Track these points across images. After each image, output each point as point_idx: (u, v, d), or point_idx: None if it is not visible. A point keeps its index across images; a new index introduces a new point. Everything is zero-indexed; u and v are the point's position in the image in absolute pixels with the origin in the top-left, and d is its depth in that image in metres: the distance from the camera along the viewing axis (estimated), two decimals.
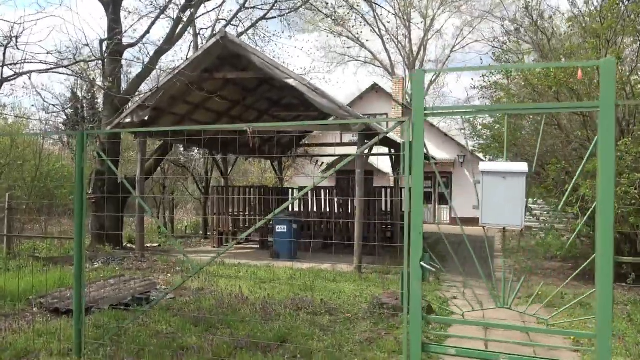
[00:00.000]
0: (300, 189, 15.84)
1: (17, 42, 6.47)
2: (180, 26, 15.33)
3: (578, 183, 7.41)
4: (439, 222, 22.80)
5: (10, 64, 6.65)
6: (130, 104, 12.43)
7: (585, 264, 3.27)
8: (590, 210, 3.26)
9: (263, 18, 18.66)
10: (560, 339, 5.51)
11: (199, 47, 14.69)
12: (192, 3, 15.29)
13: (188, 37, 17.40)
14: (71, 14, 26.73)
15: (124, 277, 8.65)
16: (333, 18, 20.62)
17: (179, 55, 48.66)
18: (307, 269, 10.07)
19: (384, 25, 33.83)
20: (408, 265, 3.48)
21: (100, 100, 17.27)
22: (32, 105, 51.59)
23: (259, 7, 18.61)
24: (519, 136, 10.54)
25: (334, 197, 14.13)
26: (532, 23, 10.36)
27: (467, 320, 3.77)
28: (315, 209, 14.43)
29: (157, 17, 14.91)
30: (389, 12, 33.01)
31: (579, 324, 5.87)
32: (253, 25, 18.84)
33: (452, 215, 22.21)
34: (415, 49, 35.22)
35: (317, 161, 20.51)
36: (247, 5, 18.35)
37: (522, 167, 3.43)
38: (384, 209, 14.23)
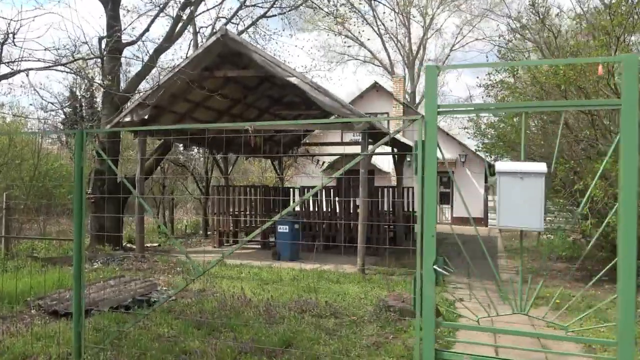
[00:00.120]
0: (301, 188, 15.68)
1: (14, 39, 6.34)
2: (180, 24, 15.22)
3: (587, 183, 7.28)
4: (440, 222, 22.64)
5: (8, 62, 6.51)
6: (129, 103, 12.29)
7: (610, 265, 3.13)
8: (613, 210, 3.12)
9: (263, 16, 18.51)
10: (573, 344, 5.37)
11: (199, 45, 14.56)
12: (192, 1, 15.15)
13: (188, 35, 17.25)
14: (69, 11, 26.61)
15: (124, 278, 8.52)
16: (334, 16, 20.46)
17: (179, 53, 48.45)
18: (310, 270, 9.93)
19: (384, 24, 33.76)
20: (421, 268, 3.35)
21: (99, 98, 17.07)
22: (30, 104, 51.45)
23: (259, 5, 18.46)
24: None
25: (336, 197, 13.98)
26: (538, 20, 10.20)
27: (485, 327, 3.63)
28: (316, 209, 14.27)
29: (157, 15, 14.77)
30: (391, 9, 32.79)
31: (592, 329, 5.74)
32: (253, 24, 18.70)
33: (454, 215, 22.09)
34: (414, 48, 35.16)
35: (317, 160, 20.36)
36: (247, 3, 18.21)
37: (541, 167, 3.29)
38: (386, 209, 14.10)
